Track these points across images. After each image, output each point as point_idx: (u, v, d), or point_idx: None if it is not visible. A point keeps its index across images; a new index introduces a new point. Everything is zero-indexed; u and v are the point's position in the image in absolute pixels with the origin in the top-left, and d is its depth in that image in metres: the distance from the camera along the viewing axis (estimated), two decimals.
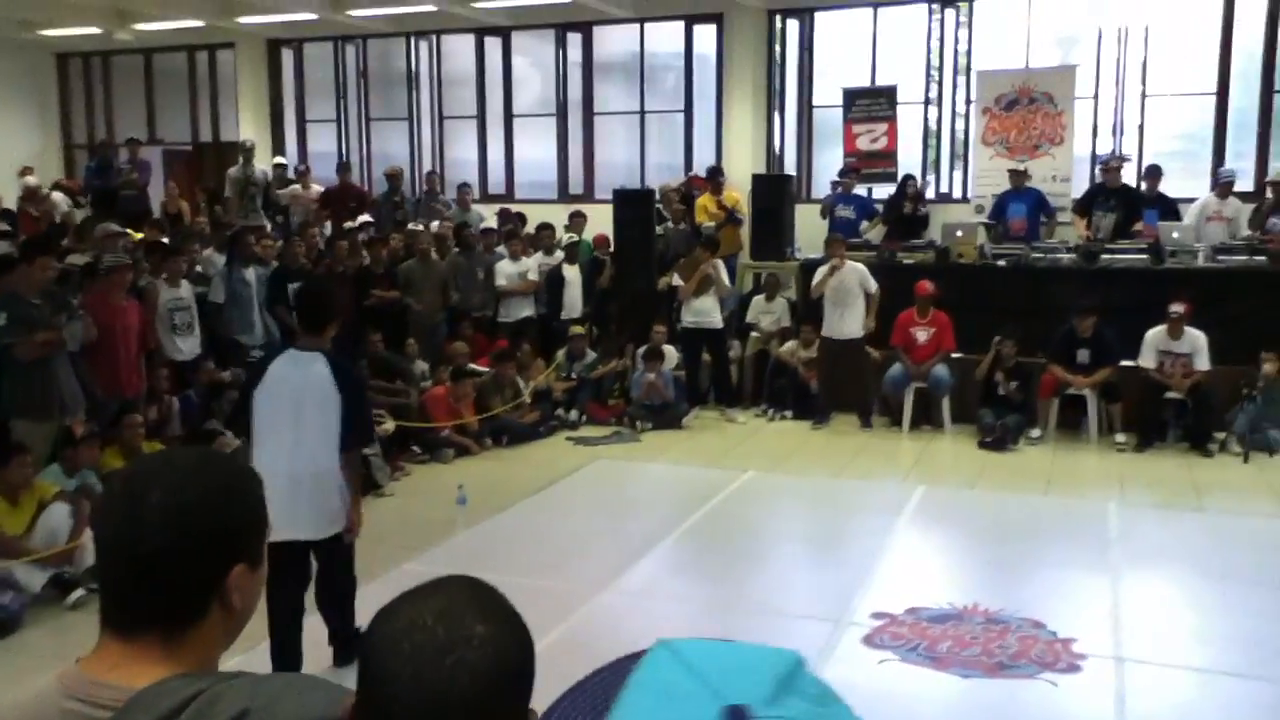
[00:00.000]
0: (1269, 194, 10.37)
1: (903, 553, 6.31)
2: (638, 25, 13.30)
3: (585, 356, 9.96)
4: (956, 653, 4.78)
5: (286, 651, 4.31)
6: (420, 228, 10.97)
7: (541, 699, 1.00)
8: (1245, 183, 11.09)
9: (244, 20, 13.66)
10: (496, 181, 14.26)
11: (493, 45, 14.09)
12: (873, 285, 9.28)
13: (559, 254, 10.74)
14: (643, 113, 13.54)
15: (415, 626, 0.97)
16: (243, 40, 14.78)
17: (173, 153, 15.41)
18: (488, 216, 12.25)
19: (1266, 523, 6.72)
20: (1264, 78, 11.28)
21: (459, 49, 14.42)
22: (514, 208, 12.89)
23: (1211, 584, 5.73)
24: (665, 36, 13.37)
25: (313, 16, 13.02)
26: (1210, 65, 11.42)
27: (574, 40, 13.74)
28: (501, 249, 10.74)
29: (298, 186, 12.72)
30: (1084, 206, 10.55)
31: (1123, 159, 10.92)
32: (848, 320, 9.30)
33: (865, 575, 5.82)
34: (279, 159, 13.53)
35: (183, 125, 15.78)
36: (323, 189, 12.76)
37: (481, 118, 14.29)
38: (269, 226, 11.53)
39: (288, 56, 15.15)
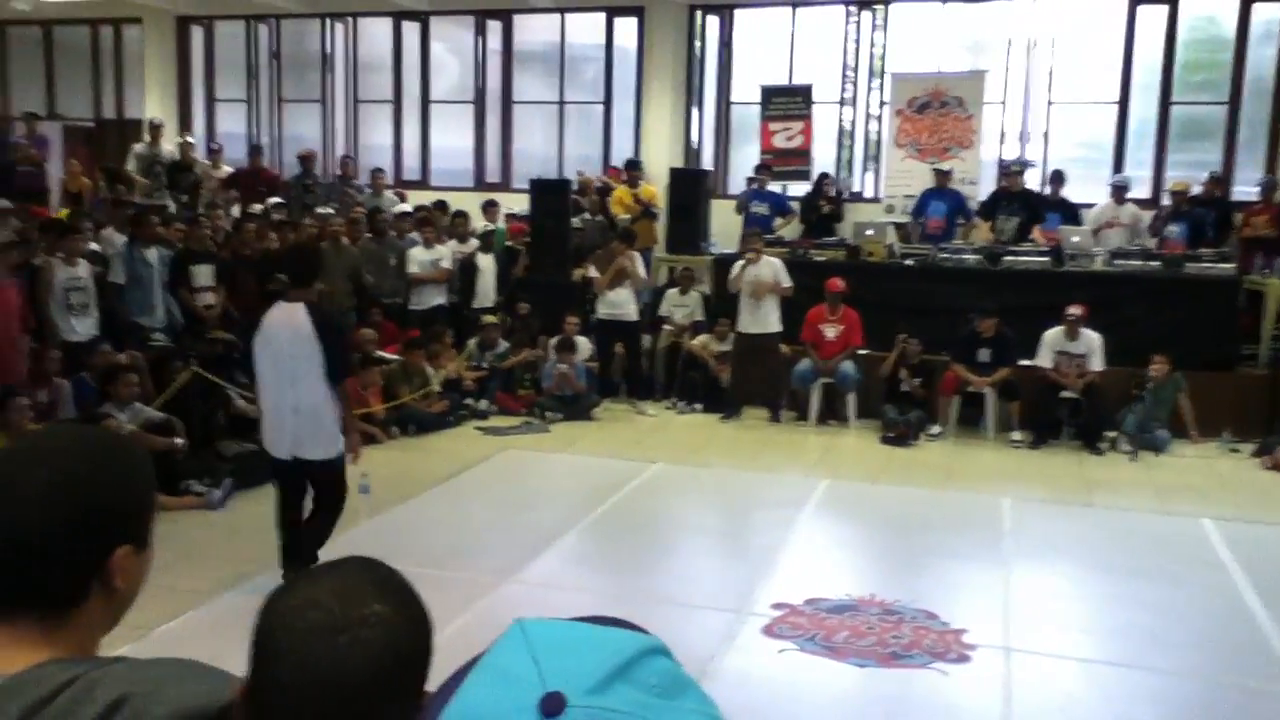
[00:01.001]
0: (1166, 201, 10.78)
1: (805, 545, 6.40)
2: (558, 15, 13.26)
3: (497, 346, 9.90)
4: (853, 643, 4.87)
5: (291, 554, 5.16)
6: (331, 212, 10.77)
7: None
8: (1143, 189, 11.49)
9: None
10: (411, 168, 14.09)
11: (410, 30, 13.90)
12: (787, 281, 9.39)
13: (473, 242, 10.65)
14: (562, 103, 13.50)
15: (309, 604, 0.96)
16: (150, 16, 14.33)
17: (73, 129, 14.86)
18: (403, 203, 12.11)
19: (1151, 518, 6.98)
20: (1162, 90, 11.70)
21: (375, 32, 14.20)
22: (429, 194, 12.74)
23: (1098, 577, 5.94)
24: (586, 28, 13.35)
25: None
26: (1113, 76, 11.80)
27: (494, 28, 13.64)
28: (414, 235, 10.61)
29: (207, 164, 12.39)
30: (988, 210, 10.83)
31: (1024, 165, 11.23)
32: (766, 315, 9.39)
33: (768, 566, 5.89)
34: (188, 138, 13.17)
35: (84, 101, 15.23)
36: (232, 170, 12.45)
37: (397, 103, 14.09)
38: (172, 206, 11.22)
39: (197, 34, 14.73)
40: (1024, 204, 10.68)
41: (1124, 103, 11.83)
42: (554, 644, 0.78)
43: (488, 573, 5.60)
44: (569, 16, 13.27)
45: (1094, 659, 4.86)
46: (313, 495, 5.31)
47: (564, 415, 9.34)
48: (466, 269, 10.49)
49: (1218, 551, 6.24)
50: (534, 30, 13.66)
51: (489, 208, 11.47)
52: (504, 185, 13.44)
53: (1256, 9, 11.32)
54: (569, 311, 9.86)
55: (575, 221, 11.19)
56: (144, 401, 7.01)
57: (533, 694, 0.73)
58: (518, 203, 11.74)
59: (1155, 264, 9.54)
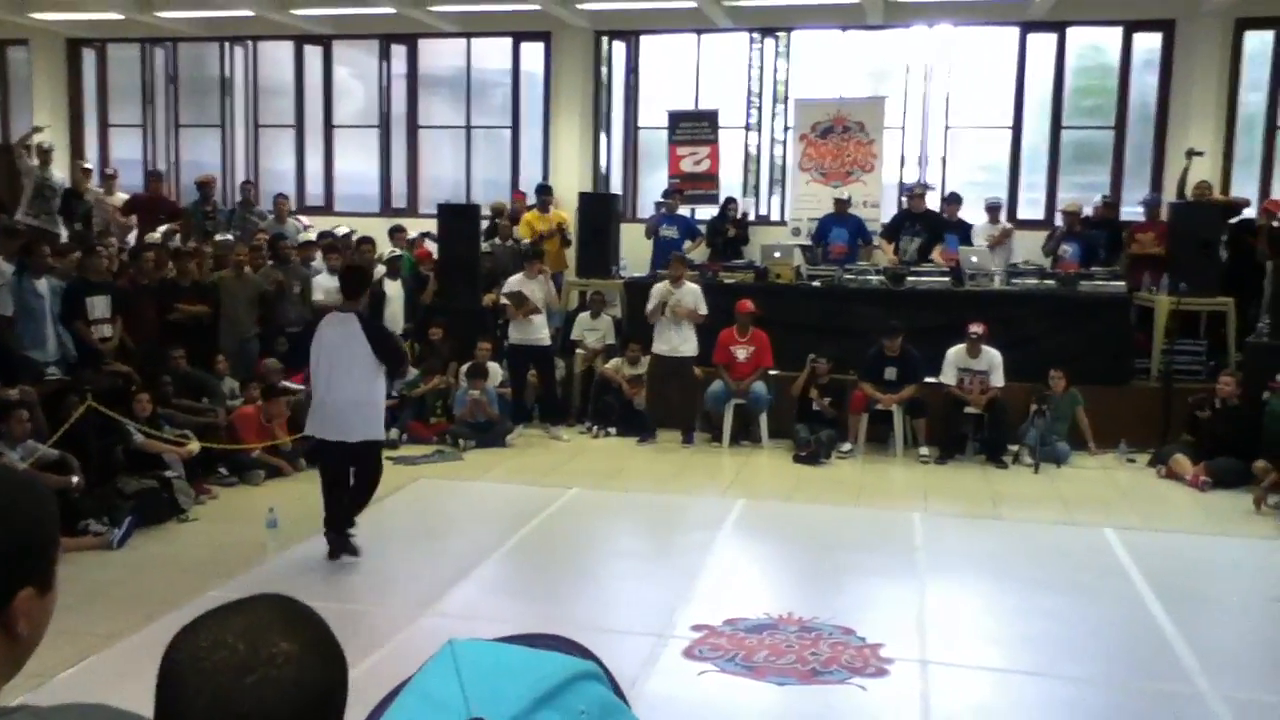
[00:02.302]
0: (1059, 222, 11.19)
1: (722, 565, 6.42)
2: (464, 40, 13.21)
3: (407, 374, 9.73)
4: (772, 661, 4.89)
5: (334, 520, 6.18)
6: (231, 239, 10.52)
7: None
8: (1037, 210, 11.91)
9: (40, 16, 12.82)
10: (315, 194, 13.85)
11: (313, 54, 13.70)
12: (704, 308, 9.45)
13: (380, 268, 10.49)
14: (469, 128, 13.43)
15: (216, 644, 0.93)
16: (38, 37, 13.87)
17: None
18: (306, 229, 11.89)
19: (1056, 529, 7.19)
20: (1053, 115, 12.16)
21: (277, 56, 13.97)
22: (333, 220, 12.54)
23: (1008, 588, 6.08)
24: (493, 52, 13.34)
25: (118, 16, 12.35)
26: (1007, 102, 12.22)
27: (399, 52, 13.52)
28: (319, 263, 10.41)
29: (99, 191, 11.99)
30: (891, 232, 11.10)
31: (926, 187, 11.55)
32: (683, 338, 9.44)
33: (686, 589, 5.89)
34: (84, 164, 12.71)
35: None
36: (127, 197, 12.07)
37: (300, 127, 13.86)
38: (65, 235, 10.83)
39: (89, 57, 14.30)
40: (926, 225, 10.99)
41: (1017, 127, 12.26)
42: (482, 668, 0.76)
43: (405, 605, 5.48)
44: (475, 41, 13.23)
45: (1007, 669, 4.97)
46: (355, 471, 6.28)
47: (477, 443, 9.24)
48: (374, 296, 10.30)
49: (1120, 559, 6.45)
50: (440, 54, 13.59)
51: (396, 233, 11.31)
52: (411, 210, 13.30)
53: (1138, 38, 11.85)
54: (480, 337, 9.78)
55: (485, 246, 11.12)
56: (38, 439, 6.71)
57: (460, 717, 0.71)
58: (425, 228, 11.61)
59: (1051, 283, 9.88)
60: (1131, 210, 11.28)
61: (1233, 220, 10.48)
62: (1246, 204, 10.83)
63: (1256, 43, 11.65)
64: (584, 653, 0.85)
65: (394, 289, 10.42)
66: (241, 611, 0.97)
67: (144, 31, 13.46)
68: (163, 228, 10.83)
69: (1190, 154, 10.51)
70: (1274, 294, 9.30)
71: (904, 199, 11.39)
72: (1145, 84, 11.96)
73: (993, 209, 11.20)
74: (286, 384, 8.91)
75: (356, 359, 6.00)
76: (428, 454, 9.01)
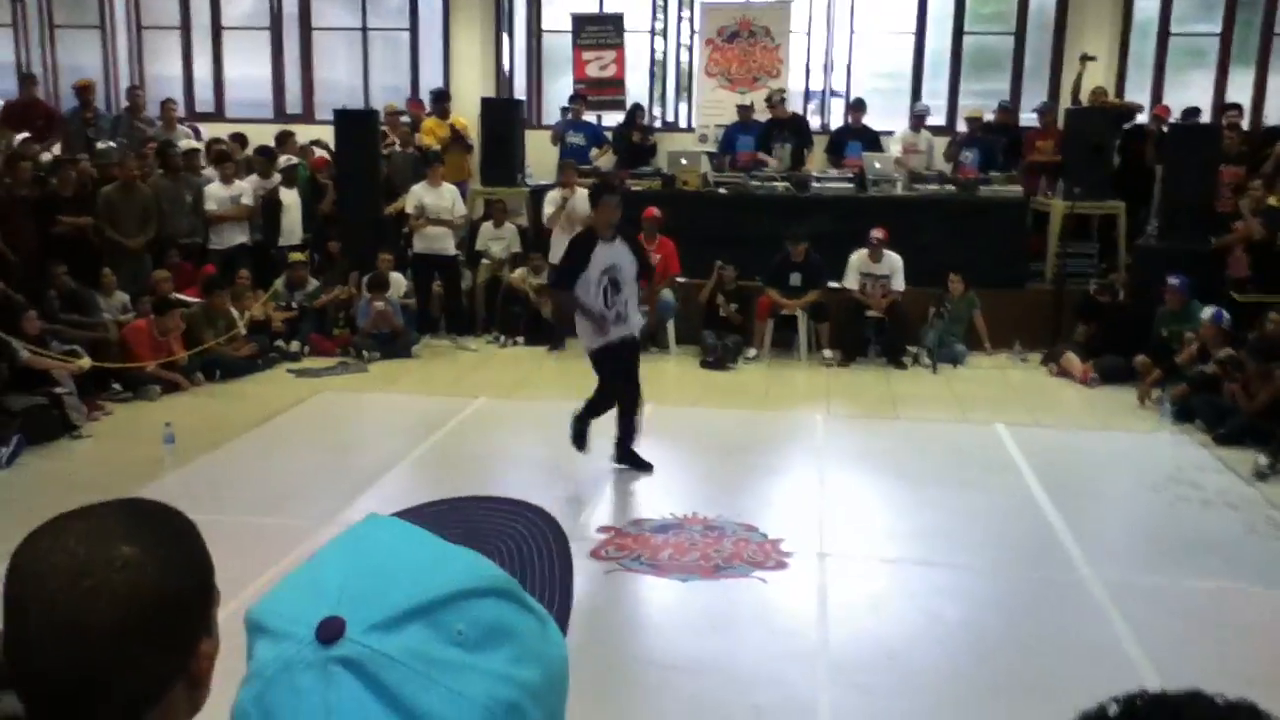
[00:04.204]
0: (962, 128, 11.31)
1: (629, 470, 6.48)
2: None
3: (306, 285, 9.53)
4: (677, 559, 5.00)
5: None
6: (114, 147, 10.04)
7: None
8: (939, 117, 12.00)
9: None
10: (205, 99, 13.26)
11: None
12: None
13: (276, 177, 10.15)
14: (365, 30, 12.95)
15: (55, 548, 0.90)
16: None
17: None
18: (197, 137, 11.41)
19: (951, 427, 7.42)
20: (955, 20, 12.20)
21: None
22: (225, 127, 12.06)
23: (903, 484, 6.27)
24: None
25: None
26: (910, 7, 12.21)
27: None
28: (210, 171, 10.03)
29: None
30: (762, 142, 11.02)
31: (783, 93, 11.39)
32: None
33: (593, 493, 5.96)
34: None
35: None
36: (0, 102, 11.41)
37: (186, 29, 13.19)
38: None
39: None
40: (794, 131, 11.00)
41: (920, 33, 12.28)
42: (377, 560, 0.70)
43: (306, 518, 5.43)
44: None
45: (900, 559, 5.15)
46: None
47: (382, 354, 9.11)
48: (270, 205, 10.00)
49: (1011, 454, 6.70)
50: None
51: (284, 139, 10.91)
52: (306, 117, 12.85)
53: None
54: (382, 248, 9.57)
55: (385, 153, 10.82)
56: None
57: (317, 611, 0.67)
58: (322, 135, 11.23)
59: (951, 188, 10.02)
60: (1030, 118, 11.46)
61: (1126, 126, 10.72)
62: (1140, 109, 11.07)
63: None
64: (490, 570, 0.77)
65: (290, 198, 10.10)
66: (89, 516, 0.93)
67: None
68: (20, 135, 10.20)
69: (1084, 59, 10.67)
70: (1163, 198, 9.59)
71: (767, 107, 11.25)
72: None
73: (918, 117, 11.20)
74: (180, 296, 8.64)
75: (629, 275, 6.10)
76: (330, 366, 8.86)
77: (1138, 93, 11.72)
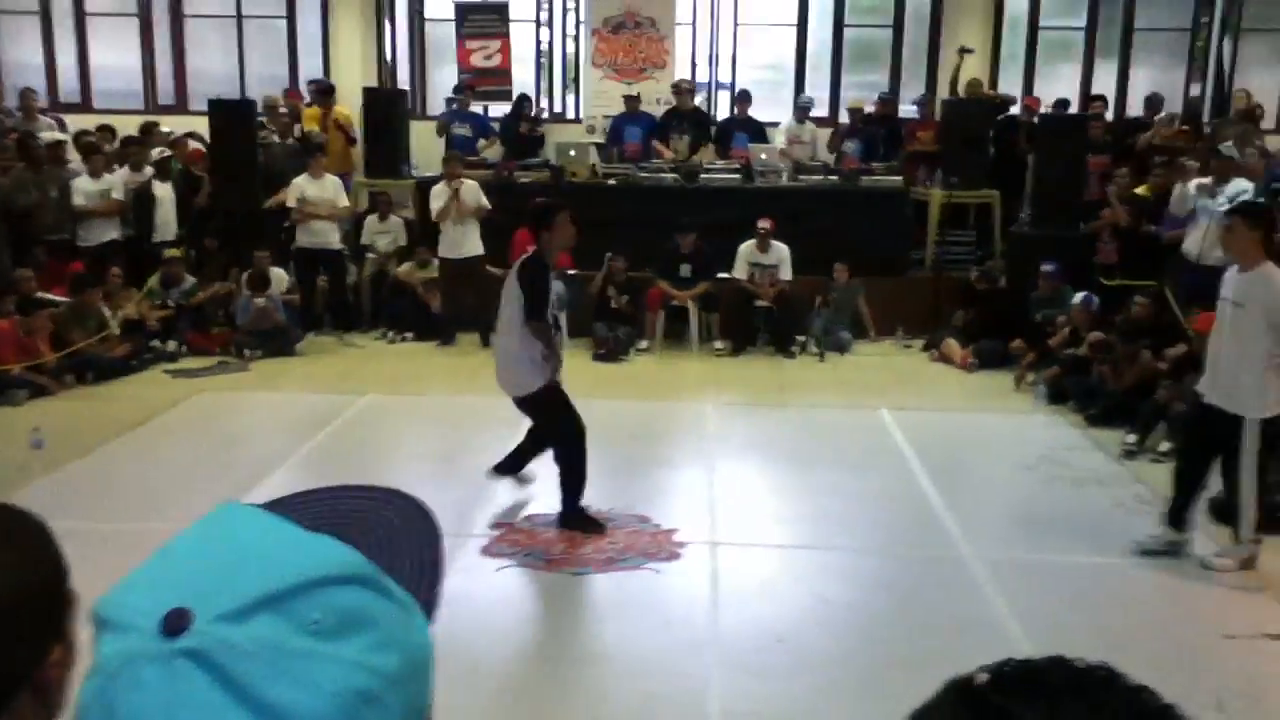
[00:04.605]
0: (844, 119, 11.53)
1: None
2: None
3: (183, 282, 9.21)
4: (570, 553, 4.99)
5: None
6: None
7: None
8: (822, 108, 12.22)
9: None
10: (69, 89, 12.68)
11: None
12: (484, 201, 9.29)
13: (148, 170, 9.77)
14: (240, 17, 12.54)
15: None
16: None
17: None
18: (61, 128, 10.90)
19: (837, 412, 7.57)
20: (835, 14, 12.43)
21: None
22: (92, 118, 11.55)
23: (792, 470, 6.39)
24: None
25: None
26: (791, 1, 12.39)
27: None
28: (77, 164, 9.60)
29: None
30: (662, 131, 11.10)
31: (688, 85, 11.52)
32: (467, 239, 9.26)
33: (485, 489, 5.88)
34: None
35: None
36: None
37: (45, 14, 12.57)
38: None
39: None
40: (694, 122, 11.11)
41: (802, 26, 12.47)
42: (228, 549, 0.68)
43: (182, 522, 5.18)
44: None
45: (789, 544, 5.25)
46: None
47: (264, 352, 8.86)
48: (142, 200, 9.62)
49: (895, 438, 6.87)
50: None
51: (149, 130, 10.51)
52: (180, 107, 12.40)
53: None
54: (261, 242, 9.30)
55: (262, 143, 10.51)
56: None
57: (169, 603, 0.64)
58: (196, 126, 10.85)
59: (834, 179, 10.22)
60: (909, 109, 11.75)
61: (1000, 117, 11.08)
62: (1013, 101, 11.47)
63: None
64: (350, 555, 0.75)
65: (164, 192, 9.74)
66: None
67: None
68: None
69: (961, 52, 11.00)
70: (1035, 186, 9.95)
71: (672, 96, 11.36)
72: None
73: (803, 109, 11.38)
74: (46, 295, 8.26)
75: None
76: (210, 365, 8.58)
77: (1010, 85, 12.13)
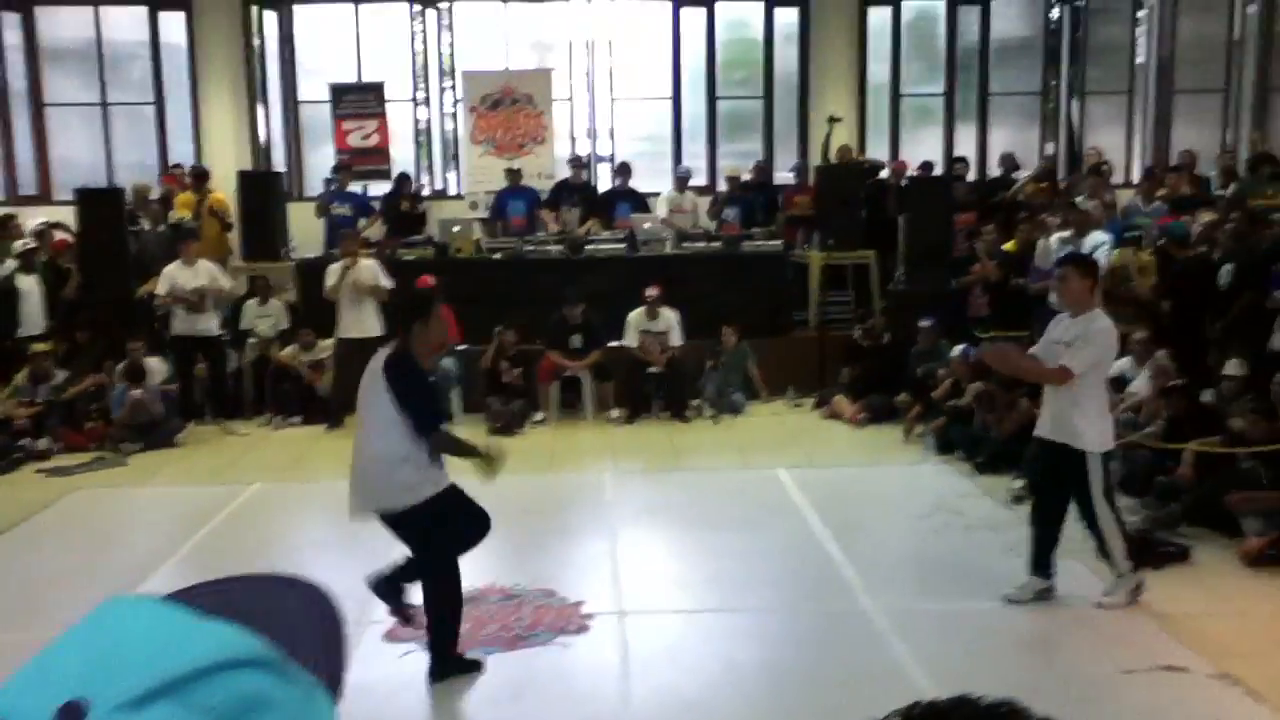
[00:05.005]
0: (723, 187, 11.82)
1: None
2: (91, 9, 12.00)
3: (53, 377, 8.81)
4: (476, 633, 4.87)
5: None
6: None
7: None
8: (699, 178, 12.51)
9: None
10: None
11: None
12: (387, 281, 9.20)
13: (10, 263, 9.38)
14: (105, 104, 12.25)
15: None
16: None
17: None
18: None
19: (734, 474, 7.65)
20: (708, 86, 12.81)
21: None
22: None
23: (692, 533, 6.40)
24: (126, 23, 12.21)
25: None
26: (665, 74, 12.73)
27: (10, 21, 12.06)
28: None
29: None
30: (552, 202, 11.24)
31: (581, 161, 11.74)
32: (365, 318, 9.12)
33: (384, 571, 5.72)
34: None
35: None
36: None
37: None
38: None
39: None
40: (584, 194, 11.28)
41: (677, 98, 12.81)
42: (118, 639, 0.66)
43: (63, 627, 4.94)
44: (104, 9, 12.07)
45: (695, 609, 5.23)
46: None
47: (143, 445, 8.51)
48: (5, 294, 9.21)
49: (792, 496, 6.95)
50: (63, 24, 12.28)
51: (7, 223, 10.13)
52: (43, 197, 11.99)
53: (778, 12, 12.70)
54: (135, 332, 8.98)
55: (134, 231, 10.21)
56: None
57: (60, 698, 0.61)
58: (59, 216, 10.49)
59: (716, 244, 10.44)
60: (783, 175, 12.12)
61: (870, 180, 11.52)
62: (882, 165, 11.94)
63: (877, 18, 12.82)
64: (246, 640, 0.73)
65: (29, 284, 9.35)
66: None
67: None
68: None
69: (831, 120, 11.43)
70: (907, 245, 10.33)
71: (569, 169, 11.55)
72: (788, 56, 12.85)
73: (682, 179, 11.61)
74: None
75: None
76: (85, 462, 8.20)
77: (878, 150, 12.64)
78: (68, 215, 10.25)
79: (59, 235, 10.24)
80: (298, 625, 0.82)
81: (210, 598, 0.80)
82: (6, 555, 6.21)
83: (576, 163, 11.49)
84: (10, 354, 9.07)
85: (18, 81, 12.15)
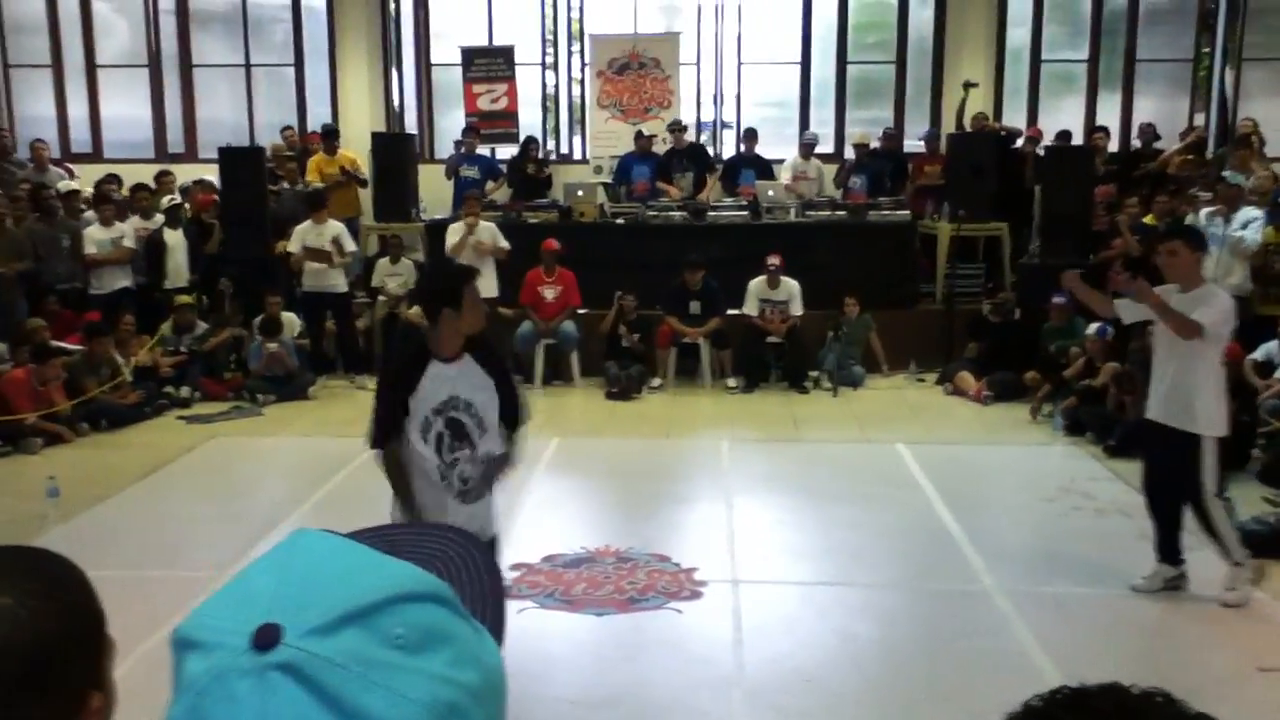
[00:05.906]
0: (849, 155, 11.58)
1: (539, 504, 6.41)
2: None
3: (195, 328, 9.23)
4: (590, 594, 4.94)
5: None
6: None
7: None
8: (827, 144, 12.28)
9: None
10: (80, 139, 12.79)
11: None
12: (504, 243, 9.34)
13: (159, 218, 9.83)
14: (248, 66, 12.68)
15: None
16: None
17: None
18: (72, 178, 10.99)
19: (851, 447, 7.54)
20: (839, 50, 12.52)
21: None
22: (103, 168, 11.64)
23: (809, 505, 6.34)
24: None
25: None
26: (794, 37, 12.50)
27: None
28: (90, 213, 9.66)
29: None
30: (664, 171, 11.16)
31: (681, 125, 11.59)
32: (484, 278, 9.27)
33: (504, 529, 5.84)
34: None
35: None
36: None
37: (58, 67, 12.73)
38: None
39: None
40: (694, 159, 11.18)
41: (806, 63, 12.57)
42: (309, 568, 0.69)
43: (201, 568, 5.21)
44: None
45: (811, 581, 5.19)
46: None
47: (277, 396, 8.86)
48: (153, 247, 9.67)
49: (911, 471, 6.82)
50: None
51: (162, 178, 10.60)
52: (189, 155, 12.50)
53: None
54: (271, 287, 9.33)
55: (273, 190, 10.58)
56: None
57: (253, 619, 0.65)
58: (206, 174, 10.94)
59: (841, 213, 10.24)
60: (913, 143, 11.80)
61: (1005, 149, 11.11)
62: (1019, 133, 11.51)
63: None
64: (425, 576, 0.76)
65: (175, 239, 9.79)
66: None
67: None
68: None
69: (967, 86, 11.05)
70: (1043, 217, 9.95)
71: (669, 136, 11.42)
72: (922, 20, 12.47)
73: (808, 145, 11.43)
74: (60, 344, 8.28)
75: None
76: (223, 411, 8.59)
77: (1014, 118, 12.18)
78: (212, 173, 10.67)
79: (203, 192, 10.68)
80: (459, 573, 0.86)
81: (378, 541, 0.83)
82: (152, 496, 6.56)
83: (675, 126, 11.35)
84: (157, 305, 9.52)
85: (169, 44, 12.66)
